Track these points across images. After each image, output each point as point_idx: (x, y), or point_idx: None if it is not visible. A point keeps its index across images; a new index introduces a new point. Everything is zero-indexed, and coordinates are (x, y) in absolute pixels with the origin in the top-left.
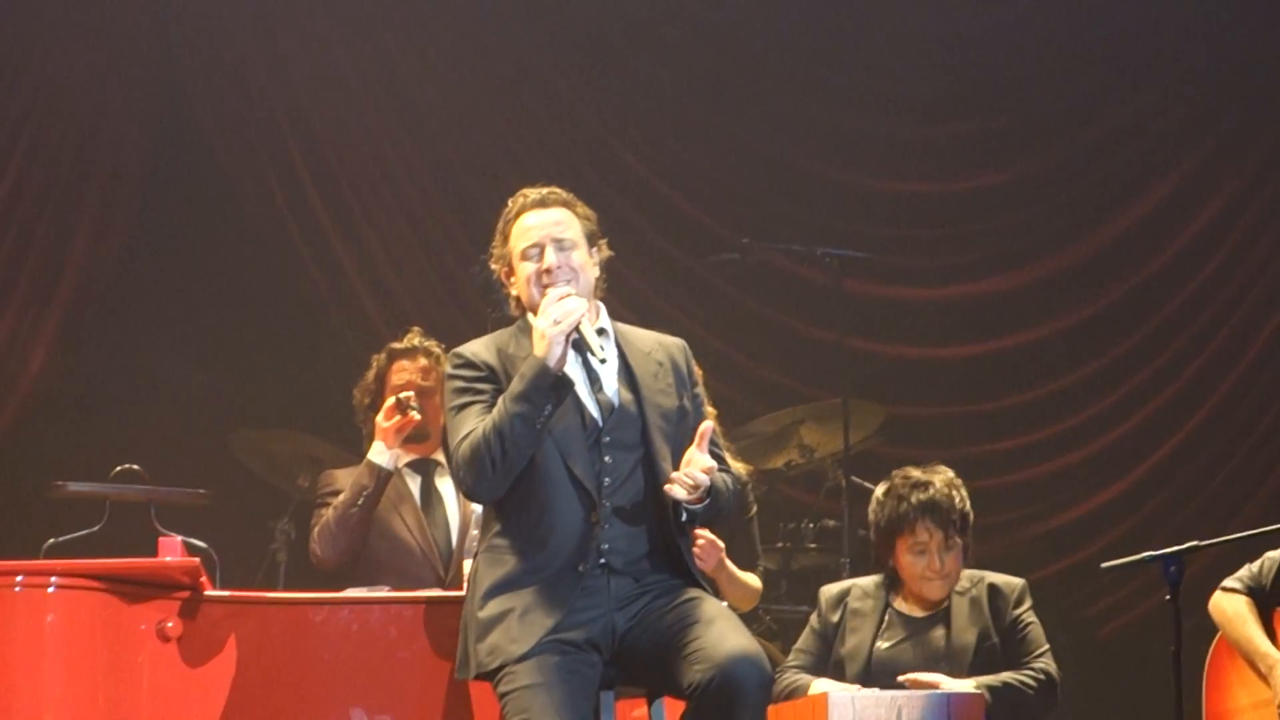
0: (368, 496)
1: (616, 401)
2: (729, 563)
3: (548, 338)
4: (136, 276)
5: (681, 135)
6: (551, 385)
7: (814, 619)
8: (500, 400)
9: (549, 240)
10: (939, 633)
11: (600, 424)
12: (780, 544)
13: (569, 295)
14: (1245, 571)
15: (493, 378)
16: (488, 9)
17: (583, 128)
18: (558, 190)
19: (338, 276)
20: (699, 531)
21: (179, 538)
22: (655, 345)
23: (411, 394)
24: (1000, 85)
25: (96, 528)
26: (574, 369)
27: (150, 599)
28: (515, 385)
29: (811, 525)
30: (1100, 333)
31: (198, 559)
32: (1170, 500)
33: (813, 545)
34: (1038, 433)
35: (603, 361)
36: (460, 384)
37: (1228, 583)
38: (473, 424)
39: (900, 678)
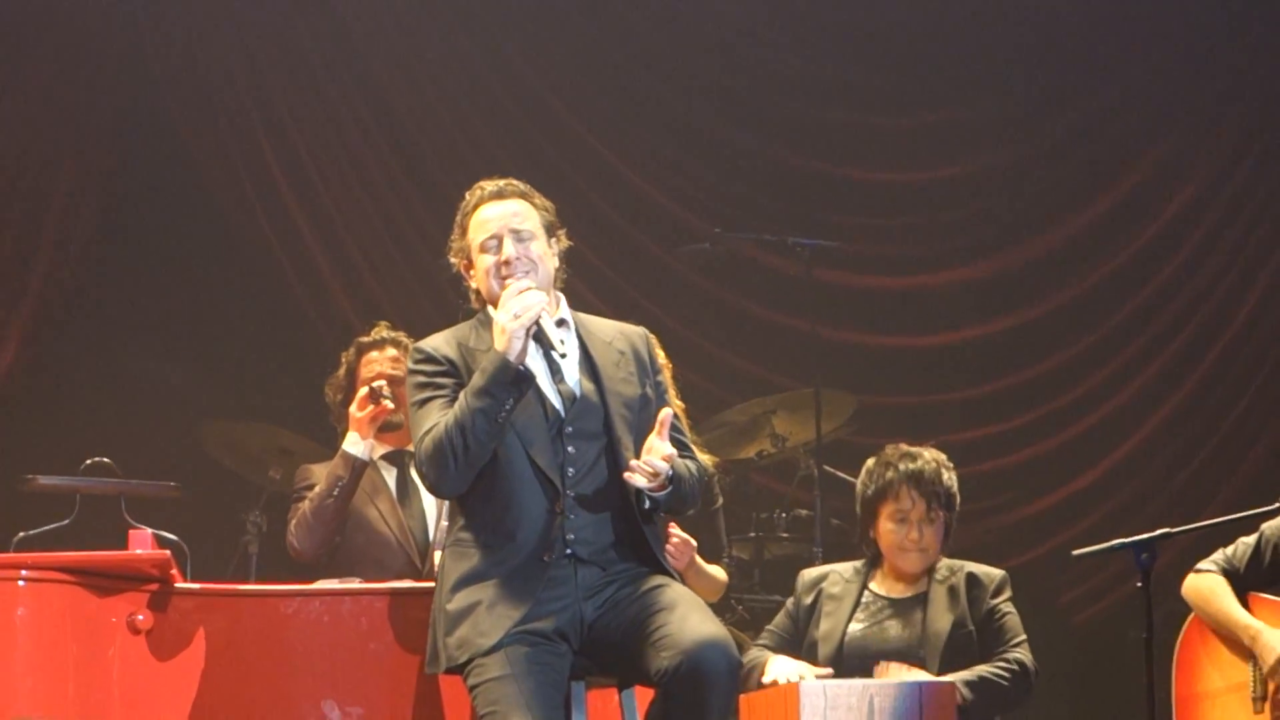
0: (343, 487)
1: (578, 392)
2: (697, 557)
3: (508, 332)
4: (107, 270)
5: (652, 126)
6: (513, 380)
7: (789, 601)
8: (462, 395)
9: (507, 232)
10: (915, 616)
11: (563, 414)
12: (753, 534)
13: (529, 289)
14: (1219, 554)
15: (454, 371)
16: (459, 1)
17: (554, 120)
18: (515, 181)
19: (309, 269)
20: (672, 530)
21: (149, 530)
22: (616, 334)
23: (384, 383)
24: (970, 75)
25: (67, 521)
26: (535, 360)
27: (121, 592)
28: (477, 380)
29: (784, 515)
30: (1072, 322)
31: (168, 552)
32: (1143, 489)
33: (785, 535)
34: (1010, 421)
35: (563, 356)
36: (422, 379)
37: (1202, 565)
38: (435, 419)
39: (875, 670)
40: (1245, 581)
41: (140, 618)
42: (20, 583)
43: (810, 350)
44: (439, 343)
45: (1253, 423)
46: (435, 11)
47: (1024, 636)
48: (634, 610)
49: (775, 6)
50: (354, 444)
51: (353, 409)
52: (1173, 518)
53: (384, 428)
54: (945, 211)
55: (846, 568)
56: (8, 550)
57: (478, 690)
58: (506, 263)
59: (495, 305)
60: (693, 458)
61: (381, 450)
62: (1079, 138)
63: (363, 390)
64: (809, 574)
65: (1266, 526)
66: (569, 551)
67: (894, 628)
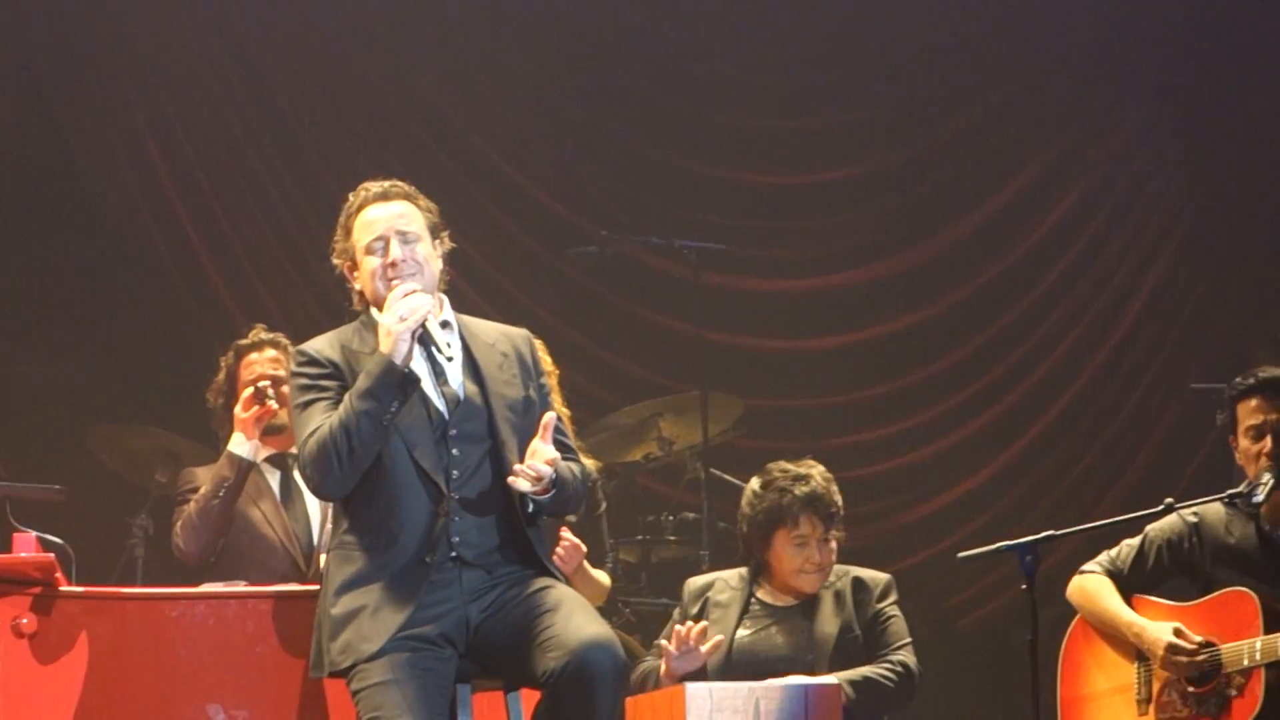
0: (229, 488)
1: (462, 394)
2: (585, 562)
3: (394, 335)
4: None
5: (540, 128)
6: (398, 382)
7: (676, 612)
8: (346, 397)
9: (393, 233)
10: (802, 623)
11: (446, 417)
12: (640, 537)
13: (414, 291)
14: (1104, 556)
15: (337, 374)
16: (346, 1)
17: (441, 121)
18: (400, 183)
19: (196, 271)
20: (563, 534)
21: (34, 534)
22: (499, 336)
23: (268, 383)
24: (856, 79)
25: None
26: (419, 363)
27: (4, 595)
28: (361, 382)
29: (671, 518)
30: (958, 326)
31: (52, 555)
32: (1028, 493)
33: (672, 538)
34: (896, 425)
35: (449, 360)
36: (305, 381)
37: (1086, 566)
38: (318, 421)
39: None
40: (1129, 583)
41: (24, 621)
42: None
43: (697, 353)
44: (322, 345)
45: (1139, 427)
46: (321, 11)
47: (909, 640)
48: (520, 612)
49: (665, 7)
50: (239, 445)
51: (237, 410)
52: (1059, 522)
53: (267, 431)
54: (833, 214)
55: (732, 575)
56: None
57: (360, 695)
58: (393, 265)
59: (380, 307)
60: (576, 461)
61: (265, 453)
62: (966, 143)
63: (247, 391)
64: (695, 582)
65: (1151, 528)
66: (454, 554)
67: (781, 634)
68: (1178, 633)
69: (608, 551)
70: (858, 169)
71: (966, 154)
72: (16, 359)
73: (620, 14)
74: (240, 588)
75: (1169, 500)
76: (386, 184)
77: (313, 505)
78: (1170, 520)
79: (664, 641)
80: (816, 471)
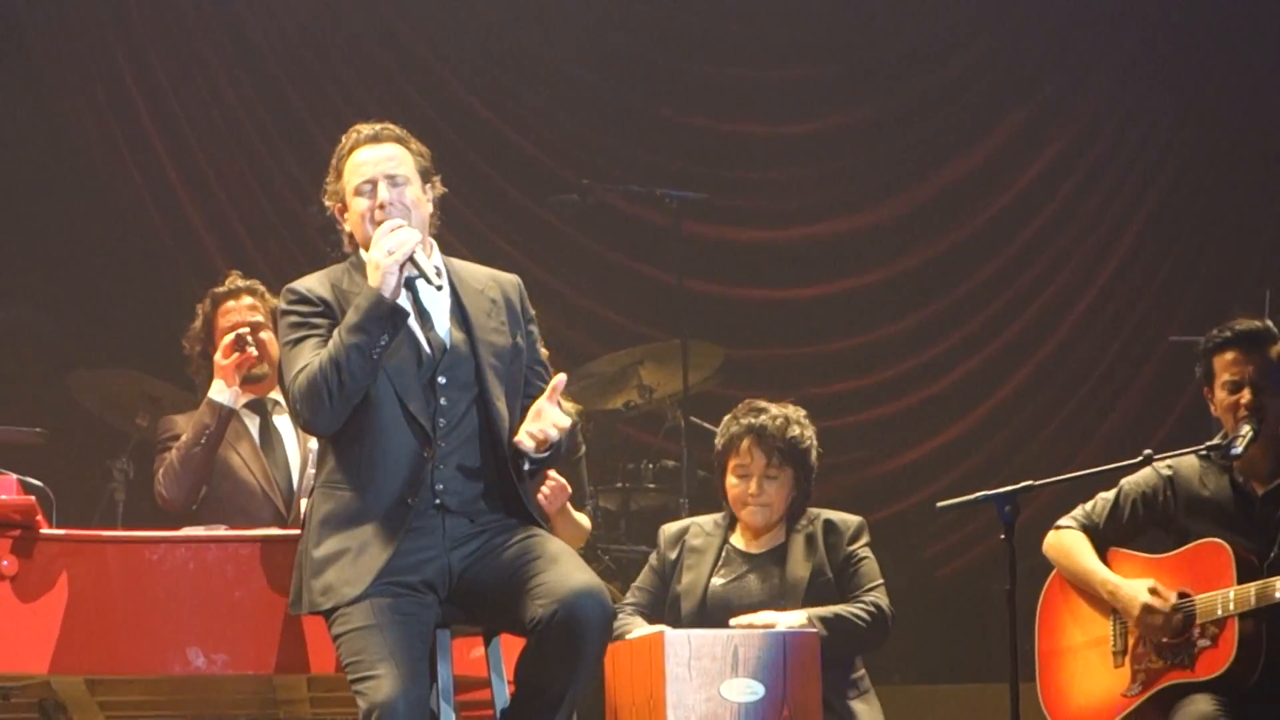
0: (210, 435)
1: (449, 341)
2: (567, 503)
3: (381, 268)
4: None
5: (521, 76)
6: (387, 315)
7: (653, 557)
8: (336, 332)
9: (382, 176)
10: (774, 569)
11: (435, 362)
12: (619, 484)
13: (402, 226)
14: (1079, 510)
15: (328, 312)
16: None
17: (424, 69)
18: (391, 126)
19: (177, 215)
20: (548, 474)
21: (14, 476)
22: (489, 282)
23: (248, 330)
24: (837, 31)
25: None
26: (406, 307)
27: None
28: (351, 316)
29: (651, 465)
30: (939, 276)
31: (33, 497)
32: (1007, 443)
33: (652, 485)
34: (876, 375)
35: (439, 289)
36: (295, 318)
37: (1062, 521)
38: (308, 357)
39: (731, 621)
40: (1105, 537)
41: (4, 563)
42: None
43: (678, 302)
44: (312, 283)
45: (1118, 379)
46: None
47: (881, 581)
48: (506, 559)
49: None
50: (219, 392)
51: (218, 357)
52: (1037, 473)
53: (246, 379)
54: (813, 166)
55: (707, 520)
56: None
57: (341, 639)
58: (381, 207)
59: (368, 249)
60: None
61: (245, 399)
62: (948, 95)
63: (227, 337)
64: (670, 528)
65: (1125, 481)
66: (437, 501)
67: (755, 581)
68: (1153, 591)
69: (588, 495)
70: (837, 120)
71: (947, 106)
72: None
73: None
74: (221, 532)
75: (1147, 452)
76: (378, 126)
77: (292, 450)
78: (1144, 474)
79: None
80: (777, 407)
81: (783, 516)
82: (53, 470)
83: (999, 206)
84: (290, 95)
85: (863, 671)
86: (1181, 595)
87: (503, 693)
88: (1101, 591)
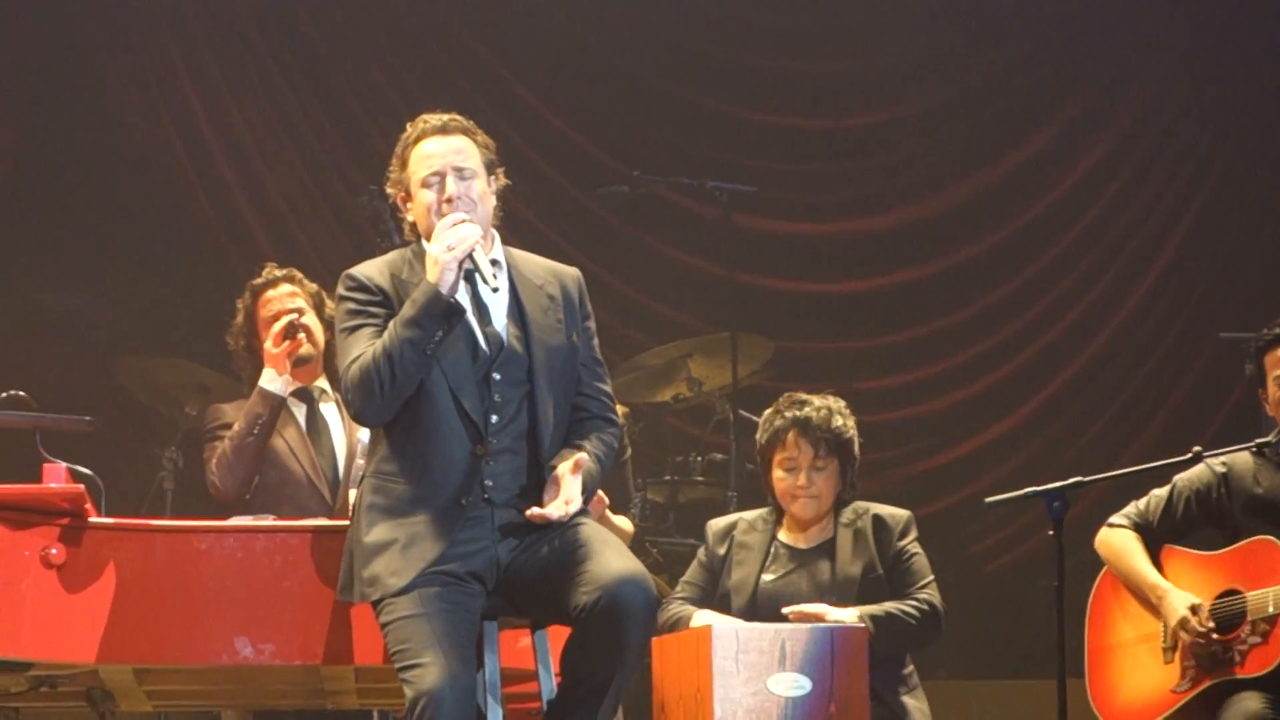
0: (263, 425)
1: (505, 338)
2: (607, 511)
3: (441, 264)
4: (20, 201)
5: (571, 68)
6: (443, 312)
7: (701, 552)
8: (391, 325)
9: (450, 169)
10: (824, 565)
11: (489, 359)
12: (668, 477)
13: (464, 221)
14: (1132, 508)
15: (385, 302)
16: None
17: (474, 60)
18: (458, 117)
19: (227, 204)
20: None
21: (64, 464)
22: (548, 276)
23: (296, 315)
24: (889, 24)
25: None
26: (463, 301)
27: (34, 525)
28: (407, 310)
29: (699, 458)
30: (989, 270)
31: (82, 486)
32: (1057, 438)
33: (700, 479)
34: (926, 369)
35: (495, 290)
36: (352, 305)
37: (1114, 519)
38: (363, 347)
39: (784, 609)
40: (1158, 534)
41: (54, 551)
42: None
43: (727, 295)
44: (371, 271)
45: (1167, 374)
46: None
47: (932, 577)
48: (551, 549)
49: None
50: (270, 380)
51: (268, 345)
52: (1086, 468)
53: (295, 362)
54: (863, 159)
55: (755, 515)
56: None
57: (389, 628)
58: (449, 200)
59: (430, 240)
60: (611, 411)
61: (292, 386)
62: (998, 87)
63: (278, 324)
64: (718, 523)
65: (1179, 478)
66: (486, 496)
67: (806, 577)
68: (1194, 609)
69: (633, 497)
70: (888, 115)
71: (998, 101)
72: (49, 291)
73: None
74: (269, 521)
75: (1197, 448)
76: (446, 117)
77: (339, 439)
78: (1199, 470)
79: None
80: (819, 399)
81: (830, 508)
82: (102, 459)
83: (1049, 202)
84: (341, 85)
85: (912, 668)
86: (1232, 593)
87: (549, 684)
88: (1151, 596)
